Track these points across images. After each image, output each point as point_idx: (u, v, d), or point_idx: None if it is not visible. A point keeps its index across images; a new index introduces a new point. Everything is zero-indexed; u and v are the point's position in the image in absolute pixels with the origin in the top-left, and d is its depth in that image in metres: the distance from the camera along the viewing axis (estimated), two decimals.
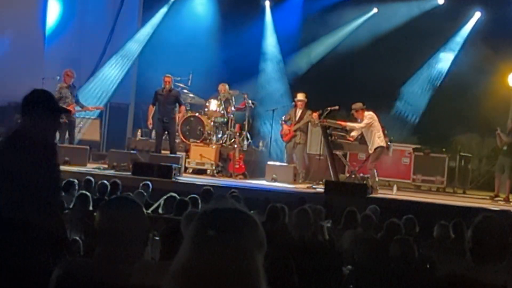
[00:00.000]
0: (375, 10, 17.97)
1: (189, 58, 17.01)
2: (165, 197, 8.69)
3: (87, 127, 16.45)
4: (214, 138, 15.30)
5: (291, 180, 14.02)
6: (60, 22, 17.71)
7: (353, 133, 12.93)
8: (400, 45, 16.79)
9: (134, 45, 18.15)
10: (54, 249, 3.76)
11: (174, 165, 12.50)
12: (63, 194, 8.13)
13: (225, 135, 15.47)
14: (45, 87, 14.65)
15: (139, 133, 16.20)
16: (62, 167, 5.01)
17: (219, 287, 1.79)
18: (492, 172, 14.72)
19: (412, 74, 17.41)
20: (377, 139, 12.56)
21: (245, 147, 15.34)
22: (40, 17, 17.08)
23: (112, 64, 17.91)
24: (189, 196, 8.34)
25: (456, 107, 16.73)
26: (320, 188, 12.35)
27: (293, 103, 14.93)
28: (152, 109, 14.11)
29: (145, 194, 9.60)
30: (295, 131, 14.50)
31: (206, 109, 15.41)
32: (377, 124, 12.64)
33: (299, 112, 14.53)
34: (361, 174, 12.96)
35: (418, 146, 15.83)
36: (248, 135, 15.79)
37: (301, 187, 13.37)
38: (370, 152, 12.67)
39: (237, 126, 15.41)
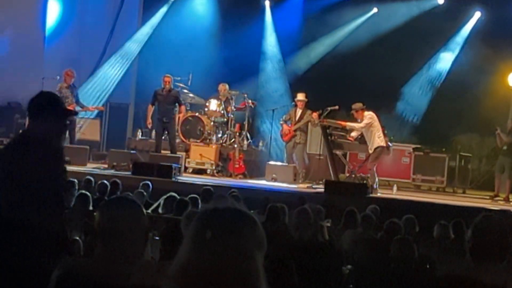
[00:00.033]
0: (375, 10, 17.97)
1: (189, 58, 17.01)
2: (165, 197, 8.69)
3: (87, 127, 16.45)
4: (214, 138, 15.30)
5: (291, 180, 14.02)
6: (60, 22, 17.71)
7: (353, 134, 12.93)
8: (400, 45, 16.79)
9: (134, 45, 18.15)
10: (55, 250, 3.76)
11: (174, 165, 12.50)
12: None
13: (225, 135, 15.47)
14: (45, 87, 14.75)
15: (139, 133, 16.19)
16: None
17: (219, 287, 1.79)
18: (492, 172, 14.72)
19: (412, 74, 17.40)
20: (377, 139, 12.57)
21: (245, 147, 15.34)
22: (40, 17, 17.08)
23: (111, 64, 17.91)
24: (189, 196, 8.34)
25: (456, 107, 16.73)
26: (320, 188, 12.34)
27: (293, 103, 14.93)
28: (151, 109, 14.12)
29: (145, 194, 9.60)
30: (295, 130, 14.50)
31: (206, 109, 15.40)
32: (377, 124, 12.65)
33: (299, 112, 14.53)
34: (361, 174, 12.96)
35: (418, 145, 15.82)
36: (248, 135, 15.79)
37: (301, 187, 13.37)
38: (370, 152, 12.68)
39: (237, 126, 15.41)
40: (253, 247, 1.85)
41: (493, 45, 16.05)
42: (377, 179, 12.76)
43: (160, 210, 8.58)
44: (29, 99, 4.18)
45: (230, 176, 14.55)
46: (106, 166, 13.96)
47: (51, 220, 3.88)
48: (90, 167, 13.63)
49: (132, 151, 14.90)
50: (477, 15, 17.07)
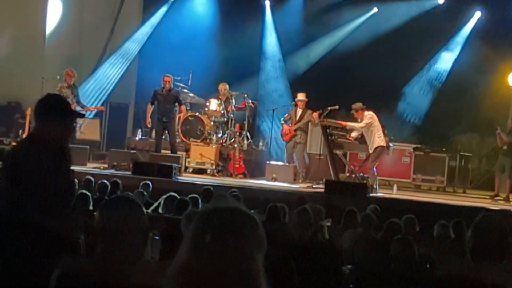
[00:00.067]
0: (375, 9, 17.97)
1: (189, 57, 17.00)
2: (165, 196, 8.68)
3: (87, 126, 16.44)
4: (214, 137, 15.29)
5: (291, 179, 14.02)
6: (60, 21, 17.70)
7: (353, 134, 12.94)
8: (400, 45, 16.79)
9: (133, 45, 18.15)
10: (59, 249, 3.77)
11: (174, 165, 12.50)
12: None
13: (225, 135, 15.47)
14: (45, 87, 14.73)
15: (139, 132, 16.20)
16: None
17: (219, 287, 1.79)
18: (492, 171, 14.73)
19: (412, 74, 17.41)
20: (377, 138, 12.57)
21: (245, 147, 15.34)
22: (40, 17, 17.07)
23: (110, 64, 17.91)
24: (189, 196, 8.34)
25: (456, 107, 16.74)
26: (320, 188, 12.33)
27: (294, 103, 14.93)
28: (150, 108, 14.11)
29: (145, 193, 9.60)
30: (295, 130, 14.50)
31: (206, 109, 15.40)
32: (377, 124, 12.65)
33: (299, 111, 14.53)
34: (361, 174, 12.95)
35: (418, 145, 15.82)
36: (248, 135, 15.78)
37: (301, 186, 13.36)
38: (370, 151, 12.68)
39: (237, 125, 15.41)
40: (253, 247, 1.85)
41: (493, 45, 16.05)
42: (377, 179, 12.76)
43: (160, 210, 8.58)
44: (36, 101, 4.23)
45: (230, 176, 14.55)
46: (106, 166, 13.95)
47: (58, 220, 3.90)
48: (90, 167, 13.63)
49: (132, 151, 14.90)
50: (477, 15, 17.07)
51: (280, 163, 14.77)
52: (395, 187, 13.78)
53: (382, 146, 12.61)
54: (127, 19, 18.52)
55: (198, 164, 14.85)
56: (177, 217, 6.59)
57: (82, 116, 5.33)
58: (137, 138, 16.05)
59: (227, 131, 15.43)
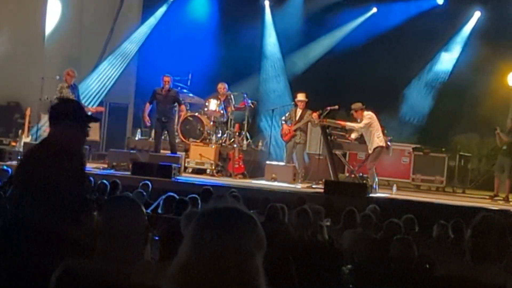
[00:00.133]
0: (374, 10, 17.97)
1: (189, 57, 17.01)
2: (164, 196, 8.68)
3: None
4: (213, 137, 15.29)
5: (290, 180, 14.03)
6: (60, 21, 17.70)
7: (353, 135, 12.95)
8: (399, 45, 16.79)
9: (132, 45, 18.14)
10: (71, 254, 3.78)
11: (173, 165, 12.50)
12: None
13: (225, 135, 15.47)
14: (45, 87, 14.72)
15: (138, 132, 16.20)
16: None
17: (219, 287, 1.79)
18: (492, 171, 14.73)
19: (412, 74, 17.39)
20: (376, 139, 12.58)
21: (244, 147, 15.34)
22: (40, 17, 17.07)
23: (109, 63, 17.90)
24: (189, 196, 8.34)
25: (455, 107, 16.74)
26: (320, 188, 12.34)
27: (293, 103, 14.93)
28: (148, 107, 14.12)
29: (144, 193, 9.59)
30: (295, 130, 14.50)
31: (205, 109, 15.40)
32: (376, 124, 12.65)
33: (299, 112, 14.53)
34: (361, 174, 12.96)
35: (418, 145, 15.83)
36: (248, 135, 15.79)
37: (301, 186, 13.37)
38: (370, 152, 12.69)
39: (236, 125, 15.41)
40: (253, 247, 1.85)
41: (492, 45, 16.05)
42: (376, 179, 12.76)
43: (159, 210, 8.58)
44: (50, 106, 4.25)
45: (230, 176, 14.55)
46: (105, 166, 13.96)
47: (69, 225, 3.91)
48: (89, 167, 13.61)
49: (131, 151, 14.90)
50: (477, 15, 17.06)
51: (279, 163, 14.77)
52: (394, 187, 13.78)
53: (381, 146, 12.61)
54: (127, 19, 18.51)
55: (197, 164, 14.85)
56: (177, 217, 6.58)
57: (97, 120, 5.33)
58: (136, 138, 16.06)
59: (226, 131, 15.43)
